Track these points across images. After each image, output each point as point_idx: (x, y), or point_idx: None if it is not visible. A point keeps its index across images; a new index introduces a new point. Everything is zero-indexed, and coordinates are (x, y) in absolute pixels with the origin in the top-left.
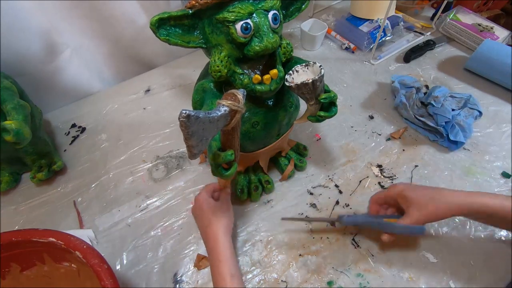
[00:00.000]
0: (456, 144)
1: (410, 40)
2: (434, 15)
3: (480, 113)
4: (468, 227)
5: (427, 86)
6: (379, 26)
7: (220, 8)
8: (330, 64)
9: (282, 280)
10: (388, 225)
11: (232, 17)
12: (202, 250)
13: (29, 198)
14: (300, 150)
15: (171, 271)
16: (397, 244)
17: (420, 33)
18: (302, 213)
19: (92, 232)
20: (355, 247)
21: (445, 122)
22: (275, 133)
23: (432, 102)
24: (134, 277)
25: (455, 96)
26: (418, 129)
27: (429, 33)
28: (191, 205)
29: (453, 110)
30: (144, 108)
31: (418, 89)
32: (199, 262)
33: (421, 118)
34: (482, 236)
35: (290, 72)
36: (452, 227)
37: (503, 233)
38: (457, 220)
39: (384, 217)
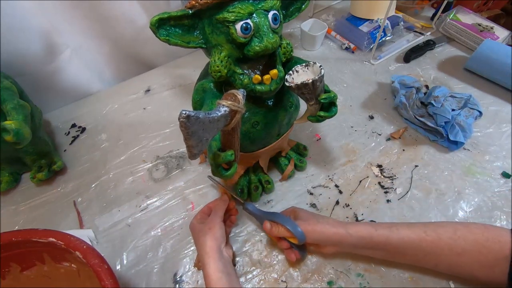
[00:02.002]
0: (456, 144)
1: (410, 40)
2: (434, 15)
3: (480, 113)
4: None
5: (427, 86)
6: (379, 26)
7: (220, 8)
8: (330, 64)
9: (282, 280)
10: (281, 217)
11: (232, 17)
12: None
13: (29, 198)
14: (300, 150)
15: (171, 271)
16: None
17: (420, 33)
18: None
19: (92, 232)
20: None
21: (445, 122)
22: (275, 133)
23: (432, 102)
24: (134, 277)
25: (455, 96)
26: (418, 129)
27: (429, 33)
28: (191, 206)
29: (453, 110)
30: (144, 108)
31: (418, 89)
32: (199, 262)
33: (421, 118)
34: None
35: (290, 72)
36: None
37: None
38: (457, 220)
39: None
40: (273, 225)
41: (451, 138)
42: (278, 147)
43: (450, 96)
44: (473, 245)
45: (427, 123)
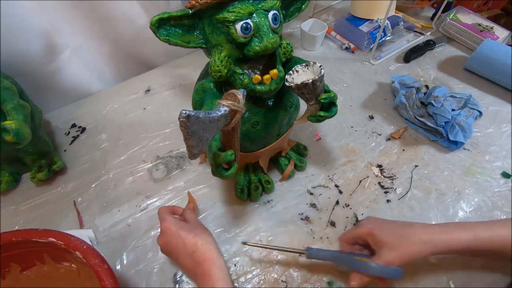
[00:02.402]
0: (456, 144)
1: (410, 40)
2: (434, 15)
3: (480, 113)
4: None
5: (427, 86)
6: (379, 26)
7: (220, 8)
8: (330, 64)
9: (282, 280)
10: (361, 263)
11: (232, 17)
12: None
13: (29, 198)
14: (300, 150)
15: (171, 271)
16: None
17: (420, 33)
18: (302, 213)
19: (92, 232)
20: None
21: (445, 122)
22: (275, 133)
23: (432, 102)
24: (134, 277)
25: (455, 96)
26: (418, 129)
27: (429, 33)
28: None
29: (453, 110)
30: (144, 108)
31: (418, 89)
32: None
33: (421, 119)
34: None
35: (290, 72)
36: None
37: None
38: (457, 220)
39: (356, 255)
40: (362, 279)
41: (451, 138)
42: (278, 147)
43: (450, 96)
44: None
45: (427, 123)
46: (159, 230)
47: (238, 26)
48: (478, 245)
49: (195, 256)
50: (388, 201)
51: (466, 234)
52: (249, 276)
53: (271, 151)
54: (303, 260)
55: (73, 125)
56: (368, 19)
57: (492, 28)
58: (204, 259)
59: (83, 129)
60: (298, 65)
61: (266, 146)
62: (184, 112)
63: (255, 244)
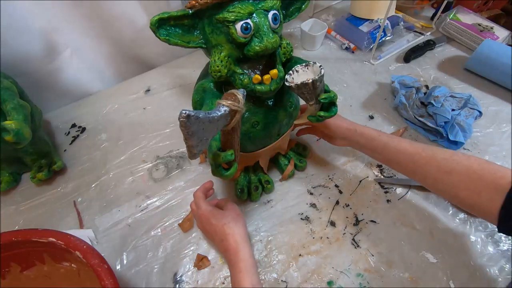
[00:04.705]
0: (456, 144)
1: (410, 40)
2: (434, 15)
3: (480, 113)
4: (468, 227)
5: (427, 86)
6: (379, 26)
7: (220, 8)
8: (330, 64)
9: (282, 280)
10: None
11: (232, 17)
12: (202, 250)
13: (29, 198)
14: (300, 150)
15: (171, 271)
16: (398, 245)
17: (420, 33)
18: (302, 213)
19: (92, 232)
20: (355, 247)
21: (445, 122)
22: (275, 133)
23: (432, 102)
24: (134, 277)
25: (455, 96)
26: (418, 129)
27: (429, 33)
28: (191, 206)
29: (453, 110)
30: (144, 108)
31: (418, 89)
32: (199, 262)
33: (420, 119)
34: (482, 236)
35: (290, 72)
36: (452, 226)
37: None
38: (457, 220)
39: None
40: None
41: (451, 138)
42: (278, 147)
43: (450, 96)
44: (465, 169)
45: (427, 123)
46: (159, 230)
47: (238, 26)
48: (376, 142)
49: (224, 244)
50: (388, 201)
51: (372, 131)
52: None
53: (271, 151)
54: (303, 260)
55: (73, 125)
56: (368, 19)
57: (492, 28)
58: (230, 249)
59: (83, 129)
60: (298, 65)
61: (266, 146)
62: (184, 112)
63: None
